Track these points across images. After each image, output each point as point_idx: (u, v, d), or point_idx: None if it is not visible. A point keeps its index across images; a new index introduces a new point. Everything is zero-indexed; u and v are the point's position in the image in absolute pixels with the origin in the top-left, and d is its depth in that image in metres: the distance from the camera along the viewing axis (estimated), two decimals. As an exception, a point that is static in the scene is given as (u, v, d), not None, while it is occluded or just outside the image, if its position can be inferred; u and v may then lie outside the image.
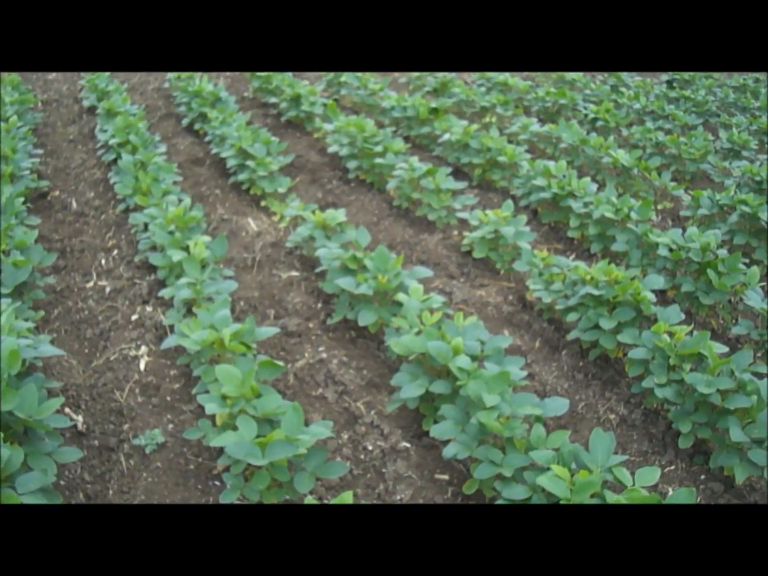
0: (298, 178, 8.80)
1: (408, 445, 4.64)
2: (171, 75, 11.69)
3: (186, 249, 5.89)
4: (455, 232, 7.51)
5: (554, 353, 5.75)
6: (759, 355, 5.69)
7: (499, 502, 3.84)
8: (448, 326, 4.84)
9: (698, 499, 4.48)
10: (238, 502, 4.00)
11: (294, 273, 6.56)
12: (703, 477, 4.68)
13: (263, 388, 4.27)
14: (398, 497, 4.25)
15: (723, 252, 6.18)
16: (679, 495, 3.46)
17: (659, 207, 8.61)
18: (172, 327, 5.57)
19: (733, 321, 6.24)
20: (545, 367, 5.55)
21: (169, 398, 5.05)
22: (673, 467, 4.74)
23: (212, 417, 4.45)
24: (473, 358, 4.58)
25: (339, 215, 6.37)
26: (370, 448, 4.60)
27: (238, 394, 4.11)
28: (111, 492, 4.26)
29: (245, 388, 4.12)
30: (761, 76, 16.35)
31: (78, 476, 4.36)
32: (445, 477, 4.47)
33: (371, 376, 5.29)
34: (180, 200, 6.92)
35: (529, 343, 5.80)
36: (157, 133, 9.92)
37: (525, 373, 4.49)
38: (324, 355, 5.41)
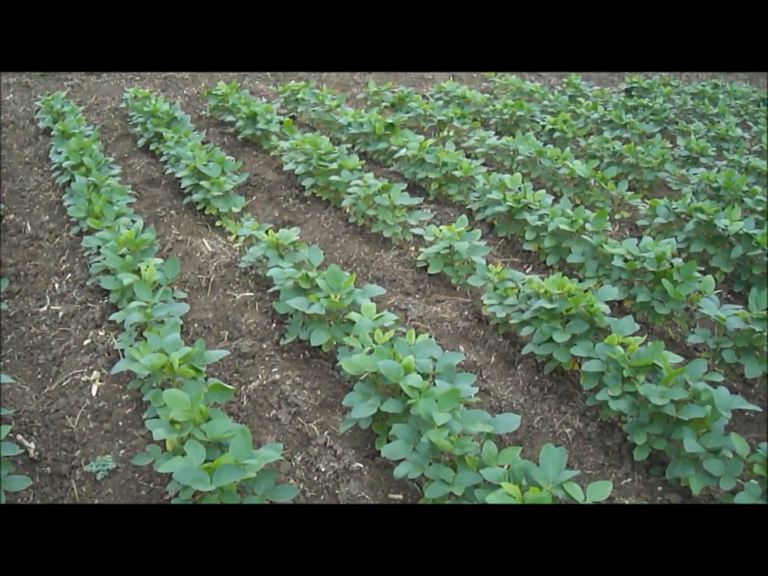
0: (255, 196, 8.77)
1: (361, 465, 4.60)
2: (127, 94, 11.63)
3: (138, 272, 5.84)
4: (412, 248, 7.50)
5: (510, 368, 5.73)
6: (717, 362, 5.69)
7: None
8: (400, 344, 4.81)
9: (655, 511, 4.47)
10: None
11: (248, 293, 6.51)
12: (660, 488, 4.67)
13: (213, 412, 4.24)
14: (352, 519, 4.21)
15: (679, 261, 6.19)
16: (629, 510, 3.45)
17: (616, 217, 8.63)
18: (123, 351, 5.51)
19: (691, 330, 6.23)
20: (501, 382, 5.53)
21: (121, 423, 4.99)
22: (629, 479, 4.72)
23: (163, 442, 4.40)
24: (425, 376, 4.55)
25: (292, 234, 6.33)
26: (323, 469, 4.56)
27: (187, 419, 4.07)
28: (63, 520, 4.21)
29: (194, 413, 4.08)
30: (719, 81, 16.50)
31: (30, 504, 4.30)
32: (399, 497, 4.43)
33: (325, 396, 5.25)
34: (133, 221, 6.86)
35: (484, 358, 5.78)
36: (114, 154, 9.89)
37: (476, 389, 4.46)
38: (277, 376, 5.36)
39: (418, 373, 4.52)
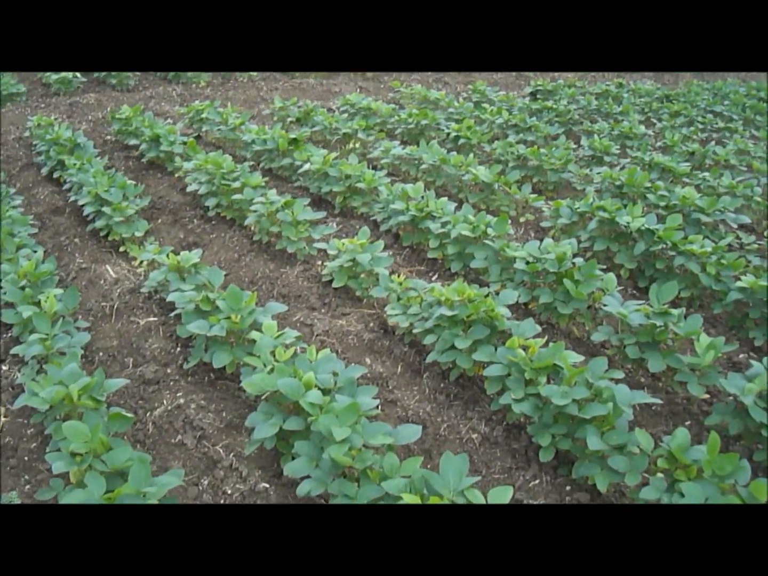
0: (160, 219, 8.70)
1: (267, 485, 4.56)
2: (31, 123, 11.49)
3: (38, 304, 5.76)
4: (318, 263, 7.48)
5: (416, 377, 5.73)
6: (621, 358, 5.75)
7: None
8: (301, 361, 4.79)
9: (564, 511, 4.49)
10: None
11: (152, 318, 6.44)
12: (568, 488, 4.68)
13: (115, 441, 4.19)
14: (259, 540, 4.18)
15: (580, 260, 6.25)
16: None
17: (521, 220, 8.69)
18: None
19: (596, 327, 6.28)
20: (407, 391, 5.53)
21: (26, 458, 4.91)
22: (537, 481, 4.74)
23: (67, 475, 4.34)
24: (326, 391, 4.54)
25: (193, 257, 6.28)
26: (229, 491, 4.52)
27: (87, 450, 4.03)
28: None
29: (94, 443, 4.04)
30: (624, 80, 16.73)
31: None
32: (306, 514, 4.41)
33: (230, 418, 5.21)
34: (35, 252, 6.77)
35: (390, 369, 5.78)
36: (18, 184, 9.76)
37: (377, 402, 4.44)
38: (182, 401, 5.31)
39: (319, 389, 4.50)
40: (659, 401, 4.77)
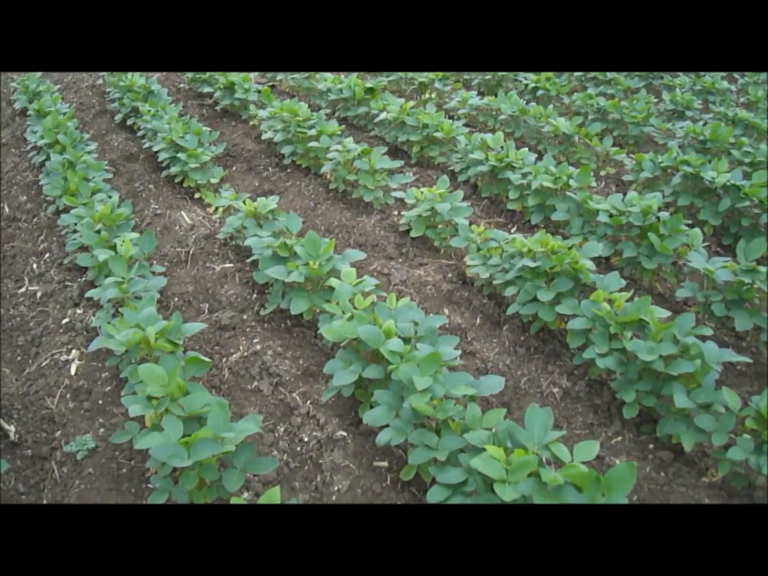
0: (234, 166, 8.66)
1: (345, 433, 4.50)
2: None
3: (114, 248, 5.74)
4: (395, 212, 7.38)
5: (495, 329, 5.63)
6: (706, 316, 5.60)
7: (435, 486, 3.71)
8: (381, 309, 4.70)
9: (647, 469, 4.37)
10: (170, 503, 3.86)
11: (228, 264, 6.40)
12: (651, 446, 4.57)
13: (191, 386, 4.14)
14: (336, 488, 4.11)
15: (665, 214, 6.09)
16: (618, 469, 3.34)
17: (602, 173, 8.52)
18: (101, 329, 5.42)
19: (679, 284, 6.12)
20: (486, 343, 5.43)
21: (101, 402, 4.90)
22: (620, 438, 4.63)
23: (142, 418, 4.31)
24: (406, 340, 4.45)
25: (270, 203, 6.21)
26: (306, 439, 4.46)
27: (164, 394, 3.97)
28: (45, 501, 4.15)
29: (171, 387, 3.98)
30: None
31: (12, 487, 4.24)
32: (384, 464, 4.33)
33: (307, 365, 5.15)
34: (109, 197, 6.75)
35: (469, 320, 5.68)
36: (91, 131, 9.79)
37: (458, 352, 4.34)
38: (258, 347, 5.26)
39: (400, 337, 4.42)
40: (748, 360, 4.61)
